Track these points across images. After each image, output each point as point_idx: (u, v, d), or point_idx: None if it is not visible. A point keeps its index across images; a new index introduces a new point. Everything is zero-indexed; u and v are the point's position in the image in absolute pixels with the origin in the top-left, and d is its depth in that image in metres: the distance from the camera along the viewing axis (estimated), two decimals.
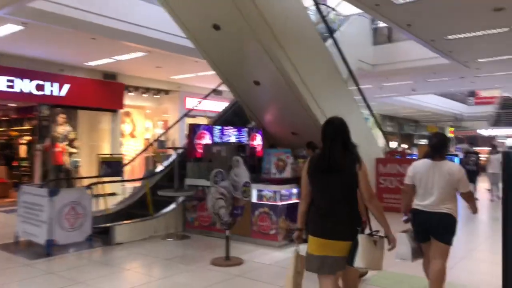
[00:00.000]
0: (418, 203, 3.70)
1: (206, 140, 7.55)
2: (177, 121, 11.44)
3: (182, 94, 15.00)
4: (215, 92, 16.53)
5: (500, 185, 4.09)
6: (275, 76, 7.15)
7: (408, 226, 3.84)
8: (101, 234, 6.40)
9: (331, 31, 9.53)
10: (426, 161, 3.73)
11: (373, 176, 9.77)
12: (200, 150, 7.43)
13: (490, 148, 13.46)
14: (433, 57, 11.55)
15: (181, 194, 6.99)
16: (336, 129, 3.01)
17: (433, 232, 3.62)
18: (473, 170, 11.44)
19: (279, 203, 6.23)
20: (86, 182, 7.60)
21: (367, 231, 3.04)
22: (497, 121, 26.57)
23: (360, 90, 9.93)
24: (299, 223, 3.12)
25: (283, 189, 6.33)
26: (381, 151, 11.09)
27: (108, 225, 6.56)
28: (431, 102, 24.17)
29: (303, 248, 3.07)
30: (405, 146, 25.64)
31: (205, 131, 7.56)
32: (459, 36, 8.67)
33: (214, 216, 5.43)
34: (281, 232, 6.25)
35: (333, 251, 2.87)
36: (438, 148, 3.69)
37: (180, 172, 7.23)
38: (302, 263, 3.04)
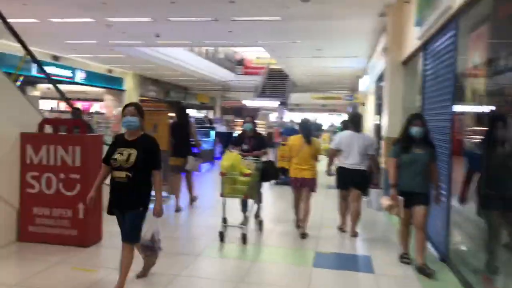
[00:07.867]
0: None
1: None
2: None
3: None
4: None
5: None
6: None
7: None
8: None
9: None
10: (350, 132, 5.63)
11: (16, 170, 4.94)
12: None
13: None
14: None
15: None
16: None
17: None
18: None
19: None
20: None
21: None
22: (262, 92, 25.31)
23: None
24: None
25: None
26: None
27: None
28: (196, 66, 20.79)
29: None
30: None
31: None
32: None
33: None
34: None
35: None
36: (358, 123, 5.68)
37: None
38: None
